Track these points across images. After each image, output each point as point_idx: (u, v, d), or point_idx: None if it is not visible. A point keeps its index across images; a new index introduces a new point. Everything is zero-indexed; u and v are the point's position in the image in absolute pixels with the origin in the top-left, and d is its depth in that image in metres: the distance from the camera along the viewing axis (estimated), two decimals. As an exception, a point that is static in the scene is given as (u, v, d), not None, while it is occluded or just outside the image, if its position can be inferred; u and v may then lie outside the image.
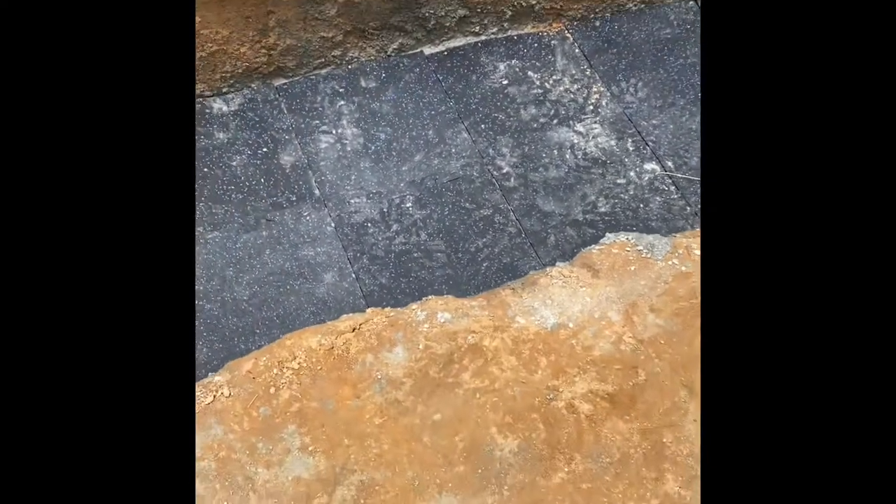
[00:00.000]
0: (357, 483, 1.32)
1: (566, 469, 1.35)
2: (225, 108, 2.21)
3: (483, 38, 2.40)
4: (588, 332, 1.49)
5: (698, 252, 1.61)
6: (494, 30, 2.40)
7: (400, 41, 2.32)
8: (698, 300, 1.53)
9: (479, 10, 2.32)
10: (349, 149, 2.15)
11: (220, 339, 1.81)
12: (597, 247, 1.66)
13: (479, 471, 1.34)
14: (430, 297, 1.59)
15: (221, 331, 1.82)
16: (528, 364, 1.45)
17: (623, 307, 1.53)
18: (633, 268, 1.59)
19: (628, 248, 1.62)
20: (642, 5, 2.48)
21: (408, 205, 2.06)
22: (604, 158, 2.17)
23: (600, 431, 1.38)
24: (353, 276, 1.93)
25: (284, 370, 1.45)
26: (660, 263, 1.59)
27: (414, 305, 1.56)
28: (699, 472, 1.35)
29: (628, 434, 1.38)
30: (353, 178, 2.10)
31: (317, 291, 1.91)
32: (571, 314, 1.52)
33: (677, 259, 1.60)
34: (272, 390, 1.42)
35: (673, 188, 2.11)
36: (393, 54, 2.34)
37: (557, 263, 1.66)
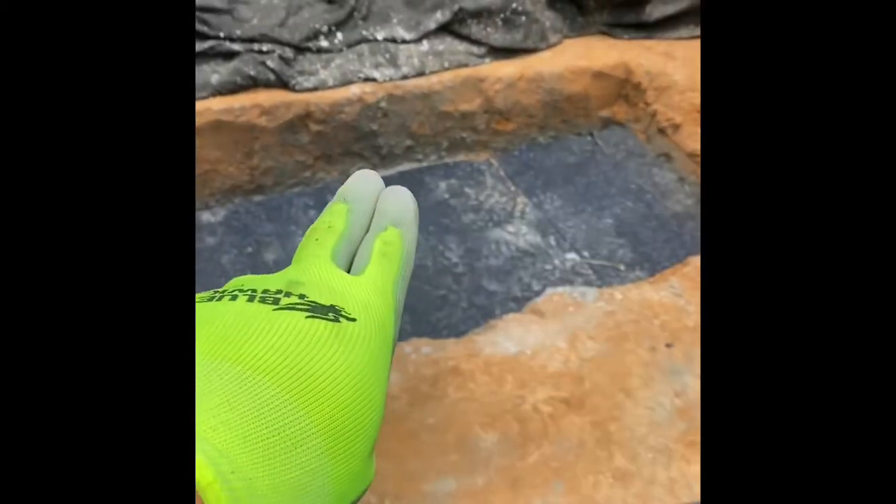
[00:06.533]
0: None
1: (537, 453, 1.67)
2: (212, 219, 2.58)
3: (425, 164, 2.93)
4: (542, 355, 1.87)
5: (619, 296, 2.06)
6: (434, 157, 2.94)
7: (359, 165, 2.80)
8: (623, 330, 1.95)
9: (421, 141, 2.86)
10: (322, 247, 2.54)
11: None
12: (539, 298, 2.08)
13: (469, 458, 1.64)
14: (412, 337, 1.94)
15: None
16: (497, 380, 1.80)
17: (567, 337, 1.92)
18: (570, 309, 2.01)
19: (566, 297, 2.05)
20: (550, 139, 3.11)
21: (376, 289, 2.43)
22: (532, 251, 2.65)
23: (561, 425, 1.72)
24: (335, 344, 2.24)
25: (299, 393, 1.73)
26: (591, 305, 2.02)
27: (402, 343, 1.90)
28: (639, 452, 1.70)
29: (582, 426, 1.73)
30: (327, 269, 2.47)
31: (304, 358, 2.20)
32: (527, 344, 1.90)
33: (604, 302, 2.04)
34: (291, 408, 1.70)
35: (591, 271, 2.59)
36: (353, 176, 2.81)
37: (510, 314, 2.06)
